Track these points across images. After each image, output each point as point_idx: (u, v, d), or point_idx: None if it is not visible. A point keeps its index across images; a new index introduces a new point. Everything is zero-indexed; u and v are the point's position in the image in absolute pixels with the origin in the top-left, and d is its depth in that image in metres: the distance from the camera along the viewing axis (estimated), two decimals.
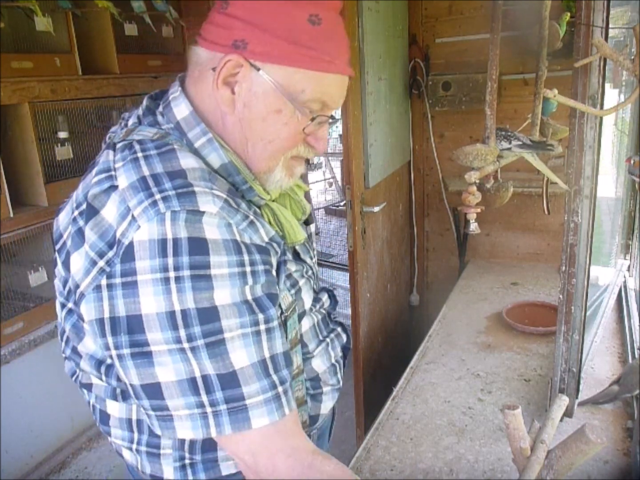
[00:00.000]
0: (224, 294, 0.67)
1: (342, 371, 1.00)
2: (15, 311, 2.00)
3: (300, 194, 0.93)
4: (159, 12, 2.30)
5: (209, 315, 0.66)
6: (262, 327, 0.70)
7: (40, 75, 2.04)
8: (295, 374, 0.87)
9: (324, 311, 0.99)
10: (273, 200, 0.86)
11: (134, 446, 0.83)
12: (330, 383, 0.95)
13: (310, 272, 0.93)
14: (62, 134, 2.14)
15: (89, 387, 0.84)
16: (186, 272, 0.65)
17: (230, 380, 0.68)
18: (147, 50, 2.55)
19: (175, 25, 2.61)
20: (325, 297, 1.00)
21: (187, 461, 0.81)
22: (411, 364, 1.92)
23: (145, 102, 0.83)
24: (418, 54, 2.71)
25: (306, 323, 0.91)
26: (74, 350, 0.80)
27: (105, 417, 0.84)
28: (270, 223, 0.80)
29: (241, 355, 0.68)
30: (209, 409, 0.68)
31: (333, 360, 0.96)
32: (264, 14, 0.72)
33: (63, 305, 0.77)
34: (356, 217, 2.21)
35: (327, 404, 0.95)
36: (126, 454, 0.86)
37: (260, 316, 0.70)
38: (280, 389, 0.71)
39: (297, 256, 0.92)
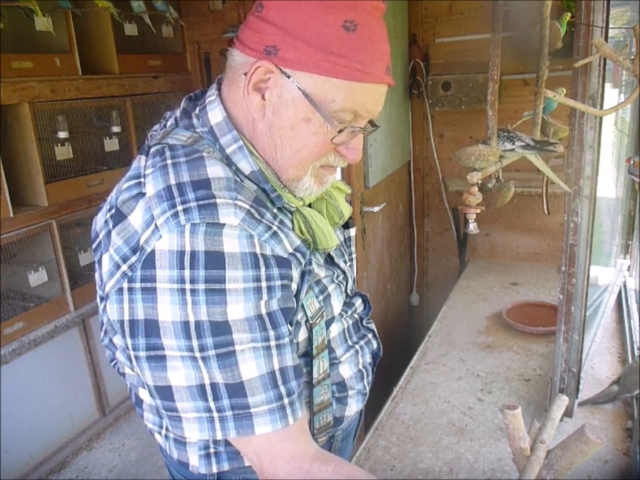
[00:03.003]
0: (237, 309, 0.68)
1: (370, 377, 1.00)
2: (15, 311, 2.00)
3: (340, 198, 0.92)
4: (158, 12, 2.31)
5: (221, 328, 0.68)
6: (273, 343, 0.71)
7: (40, 75, 2.04)
8: (321, 378, 0.88)
9: (356, 316, 0.98)
10: (309, 205, 0.86)
11: (163, 432, 0.86)
12: (356, 388, 0.95)
13: (341, 277, 0.93)
14: (62, 134, 2.13)
15: (124, 375, 0.88)
16: (201, 286, 0.66)
17: (237, 389, 0.69)
18: (147, 50, 2.55)
19: (175, 25, 2.61)
20: (358, 302, 0.99)
21: (211, 450, 0.83)
22: (411, 364, 1.92)
23: (182, 103, 0.83)
24: (418, 54, 2.71)
25: (335, 328, 0.91)
26: (111, 341, 0.83)
27: (139, 401, 0.88)
28: (300, 230, 0.80)
29: (250, 367, 0.69)
30: (215, 414, 0.70)
31: (360, 367, 0.96)
32: (296, 19, 0.70)
33: (102, 299, 0.78)
34: (356, 217, 2.21)
35: (352, 407, 0.95)
36: (157, 436, 0.90)
37: (272, 333, 0.71)
38: (286, 400, 0.72)
39: (331, 260, 0.92)
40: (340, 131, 0.74)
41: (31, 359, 2.03)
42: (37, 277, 2.04)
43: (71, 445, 2.22)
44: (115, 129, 2.36)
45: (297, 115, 0.73)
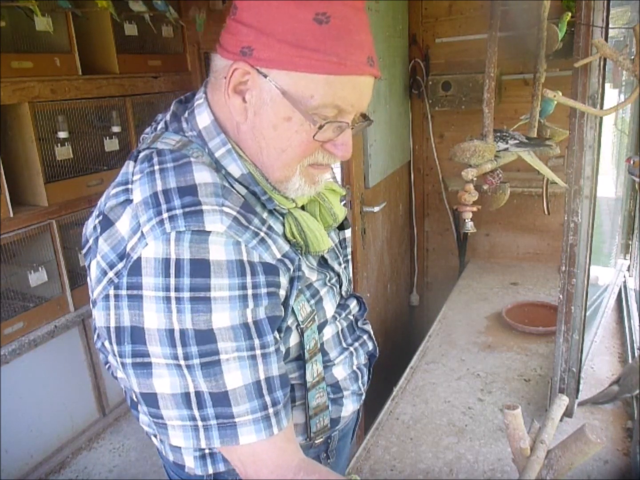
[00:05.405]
0: (222, 317, 0.68)
1: (365, 378, 0.99)
2: (15, 311, 2.00)
3: (334, 200, 0.90)
4: (158, 11, 2.31)
5: (206, 337, 0.68)
6: (259, 352, 0.71)
7: (40, 75, 2.04)
8: (315, 382, 0.87)
9: (351, 318, 0.98)
10: (302, 207, 0.85)
11: (159, 435, 0.86)
12: (351, 389, 0.95)
13: (334, 280, 0.92)
14: (62, 134, 2.13)
15: (117, 378, 0.88)
16: (186, 294, 0.66)
17: (222, 399, 0.69)
18: (147, 50, 2.55)
19: (175, 25, 2.61)
20: (353, 304, 0.98)
21: (207, 451, 0.83)
22: (411, 364, 1.92)
23: (172, 107, 0.83)
24: (418, 54, 2.71)
25: (329, 331, 0.90)
26: (103, 344, 0.82)
27: (134, 403, 0.87)
28: (292, 232, 0.79)
29: (235, 377, 0.69)
30: (200, 423, 0.70)
31: (355, 368, 0.95)
32: (268, 17, 0.68)
33: (92, 304, 0.78)
34: (356, 217, 2.21)
35: (348, 407, 0.95)
36: (153, 439, 0.90)
37: (257, 341, 0.70)
38: (271, 410, 0.72)
39: (324, 262, 0.91)
40: (320, 127, 0.72)
41: (31, 359, 2.03)
42: (37, 277, 2.04)
43: (71, 445, 2.22)
44: (115, 129, 2.36)
45: (278, 115, 0.72)
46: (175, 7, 2.44)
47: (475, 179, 1.39)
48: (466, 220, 1.46)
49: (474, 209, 1.44)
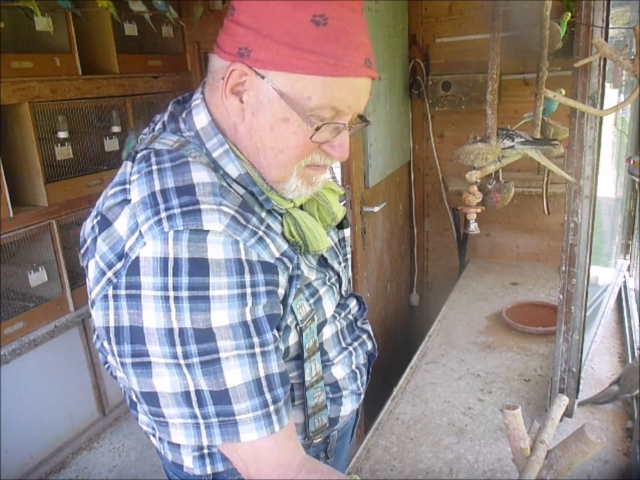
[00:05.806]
0: (221, 316, 0.68)
1: (364, 377, 1.00)
2: (15, 311, 2.00)
3: (332, 199, 0.91)
4: (158, 12, 2.31)
5: (205, 335, 0.68)
6: (258, 350, 0.71)
7: (40, 75, 2.04)
8: (314, 381, 0.88)
9: (350, 317, 0.98)
10: (300, 207, 0.85)
11: (157, 434, 0.86)
12: (350, 388, 0.95)
13: (334, 279, 0.92)
14: (62, 134, 2.14)
15: (116, 377, 0.88)
16: (185, 293, 0.66)
17: (222, 397, 0.70)
18: (147, 50, 2.56)
19: (175, 25, 2.61)
20: (353, 304, 0.99)
21: (205, 451, 0.83)
22: (411, 364, 1.92)
23: (170, 107, 0.83)
24: (418, 54, 2.71)
25: (328, 331, 0.90)
26: (102, 345, 0.83)
27: (134, 403, 0.87)
28: (290, 232, 0.80)
29: (235, 375, 0.69)
30: (201, 420, 0.71)
31: (354, 367, 0.96)
32: (265, 18, 0.69)
33: (92, 304, 0.78)
34: (356, 217, 2.21)
35: (347, 407, 0.95)
36: (152, 438, 0.90)
37: (256, 340, 0.71)
38: (272, 407, 0.72)
39: (324, 262, 0.91)
40: (317, 129, 0.72)
41: (31, 359, 2.03)
42: (37, 277, 2.04)
43: (71, 445, 2.22)
44: (115, 129, 2.37)
45: (275, 116, 0.72)
46: (175, 7, 2.44)
47: (479, 180, 1.39)
48: (470, 222, 1.46)
49: (478, 210, 1.45)
